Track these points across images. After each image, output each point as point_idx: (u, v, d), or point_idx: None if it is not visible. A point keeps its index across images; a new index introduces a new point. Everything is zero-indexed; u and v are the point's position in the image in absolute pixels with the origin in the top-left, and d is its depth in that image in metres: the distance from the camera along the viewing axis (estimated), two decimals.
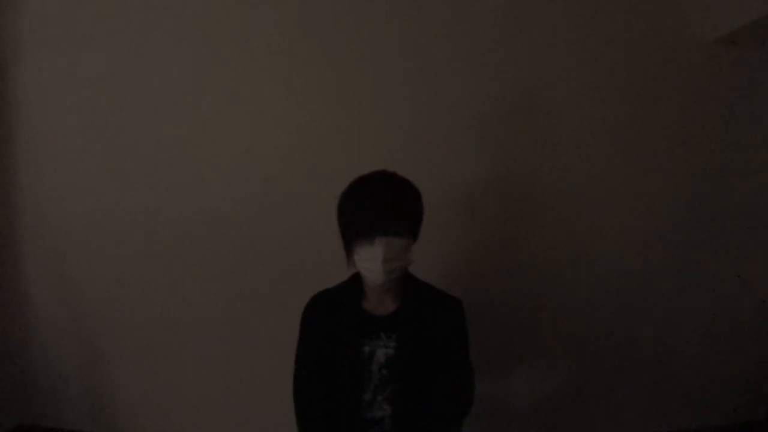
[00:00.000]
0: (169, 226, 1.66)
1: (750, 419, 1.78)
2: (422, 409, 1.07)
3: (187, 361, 1.71)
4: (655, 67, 1.64)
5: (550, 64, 1.62)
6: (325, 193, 1.60)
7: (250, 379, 1.69)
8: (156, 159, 1.65)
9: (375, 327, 1.08)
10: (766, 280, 1.75)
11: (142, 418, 1.75)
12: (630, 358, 1.73)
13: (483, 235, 1.64)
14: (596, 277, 1.68)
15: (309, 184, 1.61)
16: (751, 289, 1.74)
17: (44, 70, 1.65)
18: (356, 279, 1.13)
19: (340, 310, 1.10)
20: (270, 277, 1.66)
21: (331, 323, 1.10)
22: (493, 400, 1.67)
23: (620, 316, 1.71)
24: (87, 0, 1.62)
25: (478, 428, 1.52)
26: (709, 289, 1.73)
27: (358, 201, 1.02)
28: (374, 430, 1.09)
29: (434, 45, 1.60)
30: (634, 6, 1.63)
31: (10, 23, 1.64)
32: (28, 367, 1.76)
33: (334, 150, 1.61)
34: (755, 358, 1.77)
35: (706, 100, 1.67)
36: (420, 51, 1.60)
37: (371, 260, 0.99)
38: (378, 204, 0.99)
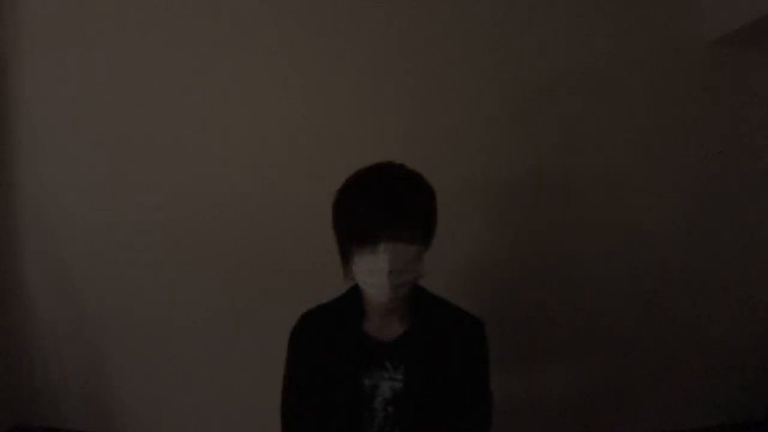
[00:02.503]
0: (169, 227, 1.66)
1: (750, 419, 1.78)
2: None
3: (188, 362, 1.71)
4: (655, 67, 1.64)
5: (550, 64, 1.62)
6: (327, 193, 1.61)
7: (251, 380, 1.68)
8: (156, 159, 1.65)
9: (379, 355, 0.89)
10: (765, 279, 1.75)
11: (142, 418, 1.75)
12: (629, 358, 1.73)
13: (494, 234, 1.64)
14: (598, 279, 1.69)
15: (310, 184, 1.61)
16: (752, 288, 1.74)
17: (44, 70, 1.65)
18: (355, 294, 0.95)
19: (335, 334, 0.91)
20: (271, 277, 1.66)
21: (325, 350, 0.91)
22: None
23: (620, 316, 1.71)
24: (87, 0, 1.62)
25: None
26: (710, 289, 1.73)
27: (359, 198, 0.84)
28: None
29: (436, 44, 1.60)
30: (634, 7, 1.63)
31: (10, 23, 1.64)
32: (28, 367, 1.76)
33: (335, 150, 1.61)
34: (755, 357, 1.77)
35: (706, 100, 1.67)
36: (422, 50, 1.60)
37: (374, 272, 0.80)
38: (383, 202, 0.79)
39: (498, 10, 1.60)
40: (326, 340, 0.92)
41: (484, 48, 1.61)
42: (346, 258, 0.88)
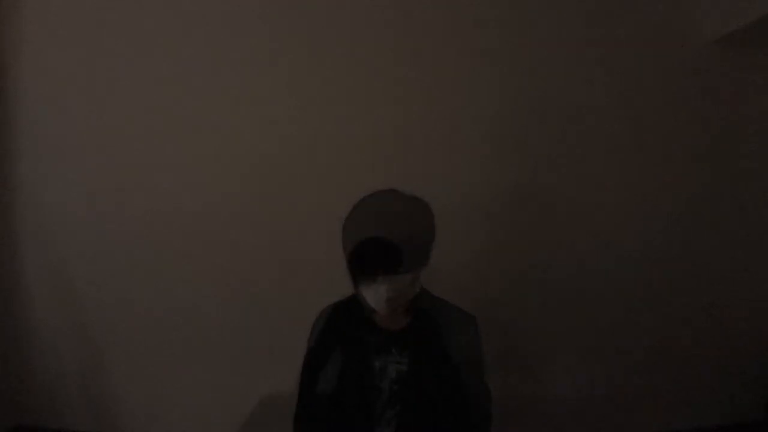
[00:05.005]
0: (169, 228, 1.66)
1: (750, 419, 1.78)
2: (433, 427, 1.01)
3: (187, 362, 1.71)
4: (655, 68, 1.64)
5: (552, 69, 1.62)
6: (328, 195, 1.62)
7: (250, 380, 1.69)
8: (157, 160, 1.65)
9: (387, 342, 1.04)
10: (764, 280, 1.75)
11: (142, 418, 1.75)
12: (629, 359, 1.73)
13: (495, 238, 1.65)
14: (597, 282, 1.69)
15: (311, 187, 1.62)
16: (752, 288, 1.75)
17: (45, 72, 1.65)
18: None
19: (350, 324, 1.07)
20: (271, 279, 1.66)
21: (343, 336, 1.06)
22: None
23: (620, 317, 1.71)
24: (88, 1, 1.62)
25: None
26: (709, 290, 1.73)
27: (358, 239, 0.91)
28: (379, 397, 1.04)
29: (439, 53, 1.61)
30: (634, 9, 1.63)
31: (10, 23, 1.64)
32: (28, 367, 1.76)
33: (339, 153, 1.62)
34: (755, 357, 1.77)
35: (705, 100, 1.67)
36: (426, 59, 1.61)
37: (373, 299, 0.95)
38: (380, 245, 0.89)
39: (498, 14, 1.60)
40: (343, 329, 1.07)
41: (484, 48, 1.61)
42: (352, 279, 0.98)
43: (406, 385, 1.01)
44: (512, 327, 1.68)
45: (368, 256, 0.90)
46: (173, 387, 1.73)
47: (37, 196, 1.69)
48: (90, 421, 1.77)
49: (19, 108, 1.67)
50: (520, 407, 1.73)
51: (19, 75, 1.66)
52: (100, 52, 1.63)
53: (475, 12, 1.60)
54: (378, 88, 1.61)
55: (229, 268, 1.67)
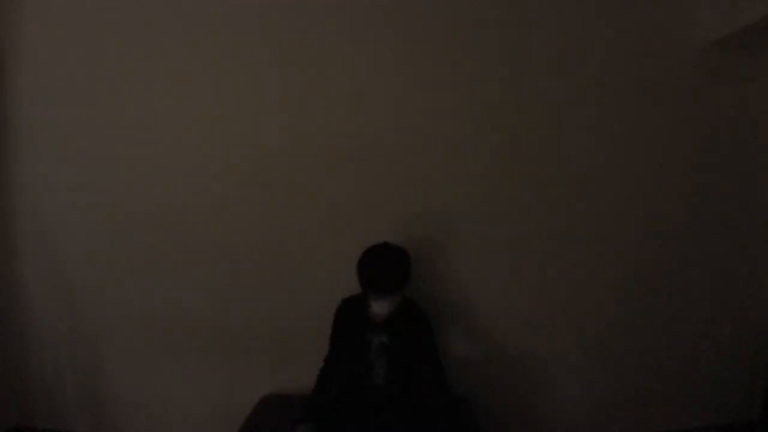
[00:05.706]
0: (169, 229, 1.66)
1: (749, 419, 1.79)
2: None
3: (187, 362, 1.71)
4: (654, 68, 1.64)
5: (552, 68, 1.62)
6: (327, 194, 1.61)
7: (250, 379, 1.69)
8: (156, 161, 1.65)
9: (378, 326, 1.45)
10: (764, 280, 1.75)
11: (142, 418, 1.75)
12: (630, 360, 1.73)
13: (495, 238, 1.65)
14: (598, 282, 1.69)
15: (310, 186, 1.62)
16: (751, 289, 1.75)
17: (42, 71, 1.65)
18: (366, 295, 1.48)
19: (354, 323, 1.47)
20: (272, 279, 1.66)
21: (351, 321, 1.48)
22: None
23: (621, 318, 1.71)
24: (88, 1, 1.62)
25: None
26: (708, 290, 1.73)
27: (367, 274, 1.39)
28: (377, 392, 1.43)
29: (439, 53, 1.61)
30: (634, 9, 1.63)
31: (10, 23, 1.64)
32: (27, 368, 1.76)
33: (338, 152, 1.62)
34: (754, 358, 1.78)
35: (704, 101, 1.67)
36: (426, 58, 1.61)
37: (377, 307, 1.40)
38: (381, 281, 1.38)
39: (498, 14, 1.60)
40: (352, 317, 1.48)
41: (484, 48, 1.61)
42: (365, 294, 1.43)
43: (387, 350, 1.40)
44: (512, 327, 1.69)
45: (378, 286, 1.37)
46: (173, 387, 1.73)
47: (36, 196, 1.69)
48: (90, 421, 1.77)
49: (19, 108, 1.67)
50: (520, 408, 1.73)
51: (18, 75, 1.66)
52: (100, 52, 1.63)
53: (475, 12, 1.60)
54: (377, 88, 1.61)
55: (230, 268, 1.67)
